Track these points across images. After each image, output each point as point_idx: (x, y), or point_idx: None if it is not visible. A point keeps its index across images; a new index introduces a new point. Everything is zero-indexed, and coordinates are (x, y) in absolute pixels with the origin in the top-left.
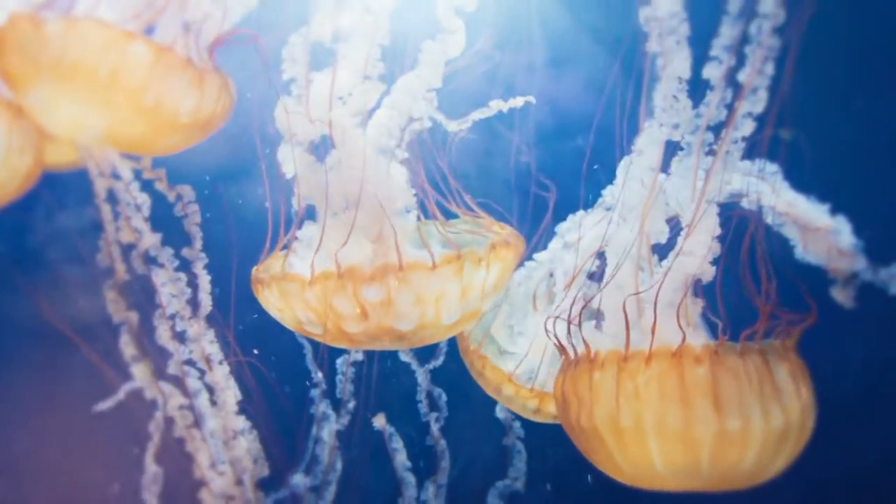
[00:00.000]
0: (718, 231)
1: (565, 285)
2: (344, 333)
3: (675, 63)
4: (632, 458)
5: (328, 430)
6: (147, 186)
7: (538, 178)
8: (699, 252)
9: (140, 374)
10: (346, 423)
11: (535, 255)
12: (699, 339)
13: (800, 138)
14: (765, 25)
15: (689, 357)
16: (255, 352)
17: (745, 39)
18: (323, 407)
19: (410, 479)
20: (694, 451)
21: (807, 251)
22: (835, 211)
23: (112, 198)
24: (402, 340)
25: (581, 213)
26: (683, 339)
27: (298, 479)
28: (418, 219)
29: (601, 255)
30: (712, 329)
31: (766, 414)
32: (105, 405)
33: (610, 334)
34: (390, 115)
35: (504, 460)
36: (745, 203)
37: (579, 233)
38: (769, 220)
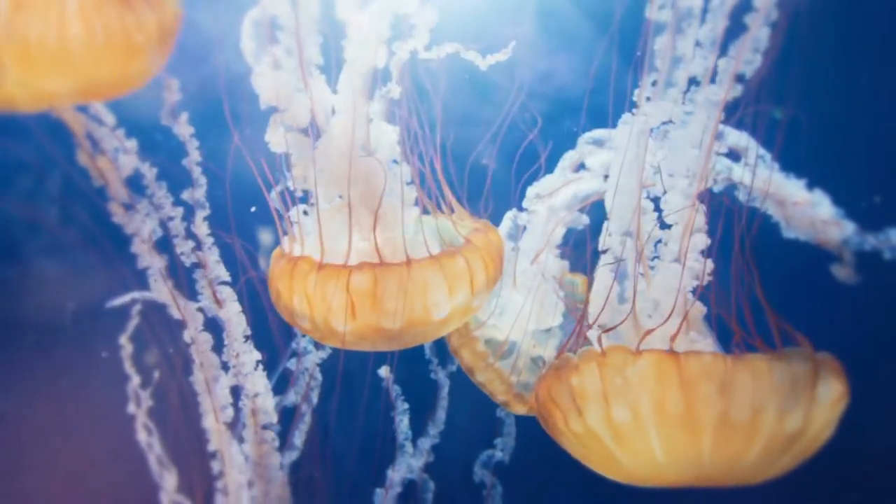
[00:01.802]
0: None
1: (532, 259)
2: (333, 332)
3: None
4: (631, 452)
5: (310, 363)
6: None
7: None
8: (693, 251)
9: (156, 286)
10: (324, 356)
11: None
12: (704, 345)
13: (787, 115)
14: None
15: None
16: (253, 209)
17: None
18: (304, 342)
19: (408, 446)
20: (695, 434)
21: (790, 228)
22: (824, 184)
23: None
24: (393, 340)
25: (548, 177)
26: (680, 328)
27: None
28: (415, 203)
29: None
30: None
31: (781, 413)
32: (117, 302)
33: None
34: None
35: (494, 431)
36: (716, 184)
37: (539, 205)
38: (742, 197)
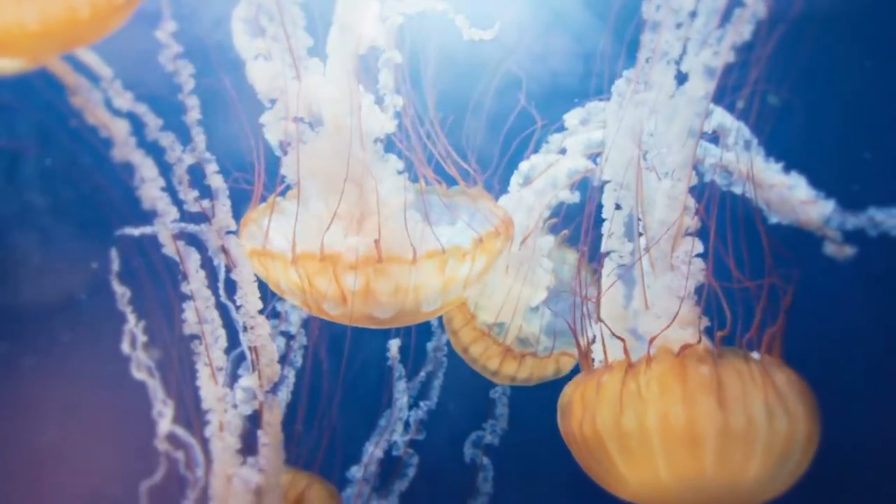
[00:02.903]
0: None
1: (520, 243)
2: (323, 311)
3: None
4: (635, 465)
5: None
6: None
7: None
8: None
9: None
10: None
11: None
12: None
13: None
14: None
15: (693, 357)
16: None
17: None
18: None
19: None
20: (698, 451)
21: (772, 212)
22: (814, 170)
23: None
24: (382, 323)
25: (533, 157)
26: (696, 338)
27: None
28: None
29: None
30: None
31: (770, 415)
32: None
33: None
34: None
35: (486, 412)
36: (703, 177)
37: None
38: (719, 180)
